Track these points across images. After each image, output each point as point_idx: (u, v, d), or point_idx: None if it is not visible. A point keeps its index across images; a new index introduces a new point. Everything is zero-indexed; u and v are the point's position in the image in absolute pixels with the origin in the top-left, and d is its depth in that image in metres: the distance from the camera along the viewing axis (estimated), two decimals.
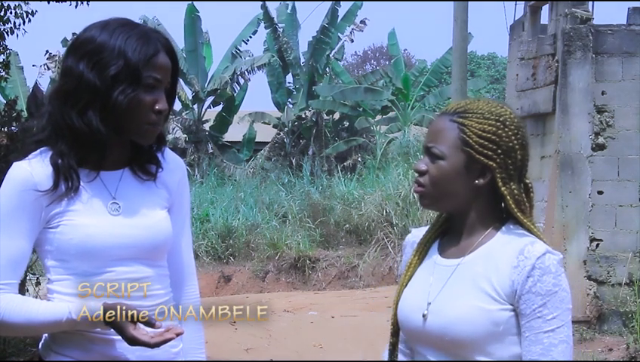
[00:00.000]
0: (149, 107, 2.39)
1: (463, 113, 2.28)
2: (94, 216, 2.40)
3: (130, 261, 2.42)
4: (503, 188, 2.25)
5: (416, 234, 2.45)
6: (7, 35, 9.25)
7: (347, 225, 16.99)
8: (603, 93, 9.87)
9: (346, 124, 26.41)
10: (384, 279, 15.70)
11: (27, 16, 9.36)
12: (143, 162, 2.50)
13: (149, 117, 2.40)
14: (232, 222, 17.81)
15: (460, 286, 2.25)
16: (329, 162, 24.74)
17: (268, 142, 26.20)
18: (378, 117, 25.91)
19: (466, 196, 2.27)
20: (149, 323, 2.29)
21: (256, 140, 26.70)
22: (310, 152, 25.31)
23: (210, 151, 25.71)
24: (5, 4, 9.21)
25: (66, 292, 2.41)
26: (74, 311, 2.32)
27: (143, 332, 2.29)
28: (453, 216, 2.33)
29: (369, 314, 11.78)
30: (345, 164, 23.89)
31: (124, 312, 2.29)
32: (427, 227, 2.42)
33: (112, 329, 2.33)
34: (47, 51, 24.53)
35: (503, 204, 2.30)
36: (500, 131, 2.26)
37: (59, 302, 2.39)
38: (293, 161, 25.01)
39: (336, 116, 26.54)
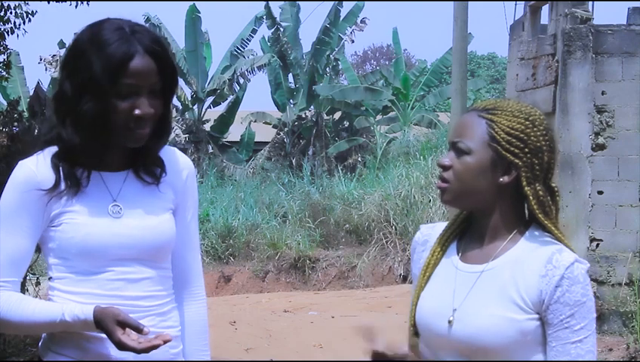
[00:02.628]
0: (125, 114, 2.35)
1: (493, 110, 2.26)
2: (95, 217, 2.40)
3: (130, 261, 2.42)
4: (527, 188, 2.22)
5: (427, 232, 2.40)
6: (8, 35, 9.25)
7: (347, 225, 17.00)
8: (603, 93, 9.87)
9: (346, 123, 26.41)
10: (384, 279, 15.71)
11: (27, 16, 9.37)
12: (147, 164, 2.48)
13: (127, 123, 2.36)
14: (232, 222, 17.81)
15: (486, 294, 2.21)
16: (329, 162, 24.74)
17: (268, 142, 26.20)
18: (378, 117, 25.92)
19: (489, 194, 2.24)
20: (138, 329, 2.29)
21: (256, 140, 26.71)
22: (310, 152, 25.31)
23: (210, 151, 25.71)
24: (5, 4, 9.22)
25: (66, 290, 2.41)
26: (67, 312, 2.33)
27: (131, 337, 2.29)
28: (474, 216, 2.29)
29: (369, 314, 11.78)
30: (345, 163, 23.89)
31: (113, 317, 2.29)
32: (439, 224, 2.39)
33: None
34: (40, 58, 24.58)
35: (526, 207, 2.27)
36: (528, 130, 2.23)
37: (54, 303, 2.40)
38: (294, 161, 25.01)
39: (337, 116, 26.54)
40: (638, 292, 9.38)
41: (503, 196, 2.25)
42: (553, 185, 2.28)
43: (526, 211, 2.28)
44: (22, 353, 7.92)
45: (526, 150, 2.22)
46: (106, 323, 2.29)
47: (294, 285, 16.06)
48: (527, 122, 2.24)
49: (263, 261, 16.46)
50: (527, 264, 2.21)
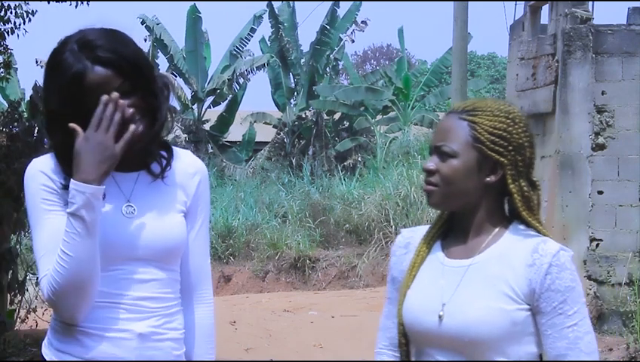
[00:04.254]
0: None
1: (472, 111, 2.29)
2: (109, 217, 2.40)
3: (141, 262, 2.42)
4: (512, 186, 2.26)
5: (409, 235, 2.44)
6: (8, 35, 9.26)
7: (347, 225, 17.00)
8: (603, 93, 9.87)
9: (347, 124, 26.41)
10: (384, 279, 15.65)
11: (27, 16, 9.37)
12: (156, 162, 2.49)
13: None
14: (232, 222, 17.81)
15: (475, 287, 2.25)
16: (329, 162, 24.73)
17: (268, 142, 26.20)
18: (378, 117, 25.92)
19: (476, 193, 2.28)
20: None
21: (257, 140, 26.70)
22: (310, 152, 25.31)
23: (210, 151, 25.71)
24: (5, 4, 9.22)
25: None
26: (70, 198, 2.31)
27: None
28: (459, 215, 2.32)
29: (369, 314, 11.78)
30: (345, 163, 23.89)
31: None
32: (420, 227, 2.42)
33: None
34: (36, 60, 24.58)
35: (507, 203, 2.31)
36: (510, 128, 2.27)
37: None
38: (294, 161, 25.00)
39: (337, 116, 26.55)
40: (638, 292, 9.38)
41: (487, 194, 2.29)
42: (535, 179, 2.32)
43: (506, 207, 2.32)
44: (22, 353, 7.93)
45: (510, 148, 2.26)
46: (77, 148, 2.30)
47: (294, 285, 16.05)
48: (509, 120, 2.28)
49: (263, 261, 16.46)
50: (513, 255, 2.25)
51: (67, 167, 2.37)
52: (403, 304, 2.32)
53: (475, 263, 2.27)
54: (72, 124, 2.31)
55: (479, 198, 2.28)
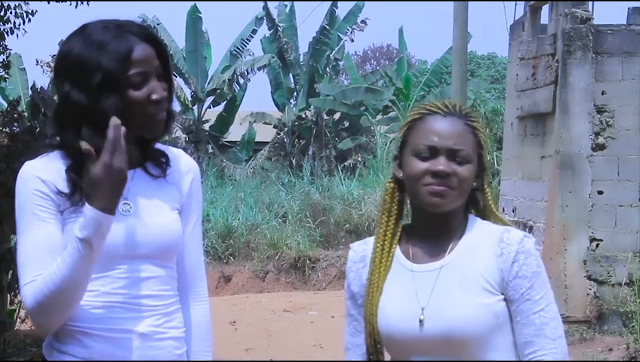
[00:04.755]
0: (144, 102, 2.38)
1: (469, 116, 2.33)
2: None
3: (139, 260, 2.42)
4: (488, 187, 2.36)
5: (361, 248, 2.40)
6: (7, 35, 9.25)
7: (347, 225, 17.00)
8: (603, 93, 9.87)
9: (347, 123, 26.41)
10: None
11: (27, 16, 9.36)
12: (153, 160, 2.49)
13: (147, 110, 2.38)
14: (232, 222, 17.81)
15: (453, 287, 2.25)
16: (329, 162, 24.73)
17: (268, 142, 26.19)
18: (379, 117, 25.92)
19: (465, 197, 2.32)
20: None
21: (256, 140, 26.69)
22: (310, 152, 25.31)
23: (210, 151, 25.70)
24: (5, 4, 9.22)
25: None
26: (76, 228, 2.29)
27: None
28: (438, 218, 2.30)
29: None
30: (345, 164, 23.89)
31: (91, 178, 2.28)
32: (370, 239, 2.39)
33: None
34: (37, 60, 24.59)
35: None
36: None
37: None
38: (294, 161, 25.00)
39: (337, 116, 26.55)
40: (638, 292, 9.38)
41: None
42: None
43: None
44: (22, 353, 7.92)
45: (486, 151, 2.34)
46: (89, 177, 2.27)
47: (294, 285, 16.05)
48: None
49: (263, 261, 16.46)
50: (481, 248, 2.28)
51: (77, 167, 2.36)
52: (377, 316, 2.29)
53: (447, 264, 2.28)
54: (85, 147, 2.27)
55: (464, 201, 2.33)
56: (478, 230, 2.31)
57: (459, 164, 2.27)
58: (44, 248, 2.35)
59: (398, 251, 2.34)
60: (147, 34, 2.41)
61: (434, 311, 2.23)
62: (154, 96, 2.38)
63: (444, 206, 2.27)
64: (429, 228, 2.32)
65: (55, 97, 2.52)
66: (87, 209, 2.28)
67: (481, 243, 2.28)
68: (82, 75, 2.36)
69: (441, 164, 2.25)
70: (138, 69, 2.36)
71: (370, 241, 2.39)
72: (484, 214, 2.34)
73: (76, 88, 2.36)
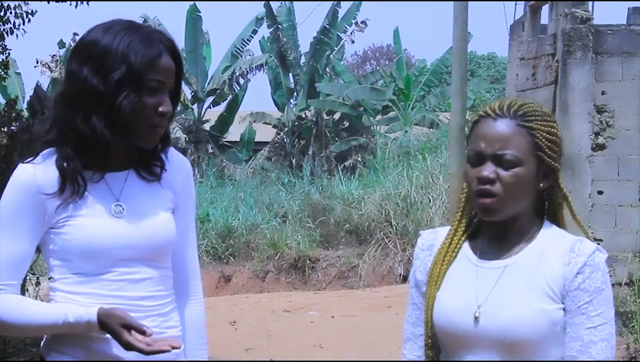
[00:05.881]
0: (152, 110, 2.38)
1: (525, 116, 2.24)
2: (98, 218, 2.40)
3: (133, 262, 2.42)
4: (563, 190, 2.30)
5: (431, 237, 2.38)
6: (7, 35, 9.25)
7: (347, 225, 16.99)
8: (603, 93, 9.86)
9: (347, 123, 26.41)
10: (384, 279, 15.70)
11: (27, 16, 9.36)
12: (148, 163, 2.49)
13: (152, 119, 2.39)
14: (232, 222, 17.81)
15: (513, 287, 2.21)
16: (329, 162, 24.74)
17: (268, 142, 26.20)
18: (378, 117, 25.92)
19: (527, 201, 2.25)
20: (142, 331, 2.29)
21: (256, 140, 26.70)
22: (310, 152, 25.31)
23: (210, 151, 25.71)
24: (5, 4, 9.21)
25: (67, 291, 2.41)
26: (70, 314, 2.33)
27: (138, 338, 2.29)
28: (494, 222, 2.27)
29: (369, 314, 11.78)
30: (345, 164, 23.89)
31: (118, 320, 2.30)
32: (440, 229, 2.38)
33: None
34: (37, 60, 24.55)
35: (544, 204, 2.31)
36: (559, 133, 2.26)
37: (56, 305, 2.40)
38: (293, 161, 25.00)
39: (337, 116, 26.55)
40: (638, 292, 9.38)
41: (532, 199, 2.28)
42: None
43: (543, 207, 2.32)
44: (22, 353, 7.92)
45: (560, 153, 2.26)
46: (112, 325, 2.30)
47: (294, 285, 16.05)
48: (556, 125, 2.27)
49: (263, 261, 16.45)
50: (550, 255, 2.23)
51: (74, 152, 2.38)
52: (434, 306, 2.28)
53: (512, 264, 2.24)
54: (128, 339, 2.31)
55: (526, 204, 2.26)
56: (551, 236, 2.26)
57: (505, 169, 2.20)
58: (11, 264, 2.38)
59: (466, 245, 2.31)
60: (174, 49, 2.44)
61: (491, 309, 2.20)
62: (162, 108, 2.40)
63: (493, 216, 2.23)
64: (494, 229, 2.29)
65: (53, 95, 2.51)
66: (94, 325, 2.32)
67: (552, 249, 2.23)
68: (106, 65, 2.36)
69: (485, 170, 2.21)
70: (159, 77, 2.38)
71: (440, 231, 2.37)
72: (555, 217, 2.30)
73: (97, 76, 2.36)
